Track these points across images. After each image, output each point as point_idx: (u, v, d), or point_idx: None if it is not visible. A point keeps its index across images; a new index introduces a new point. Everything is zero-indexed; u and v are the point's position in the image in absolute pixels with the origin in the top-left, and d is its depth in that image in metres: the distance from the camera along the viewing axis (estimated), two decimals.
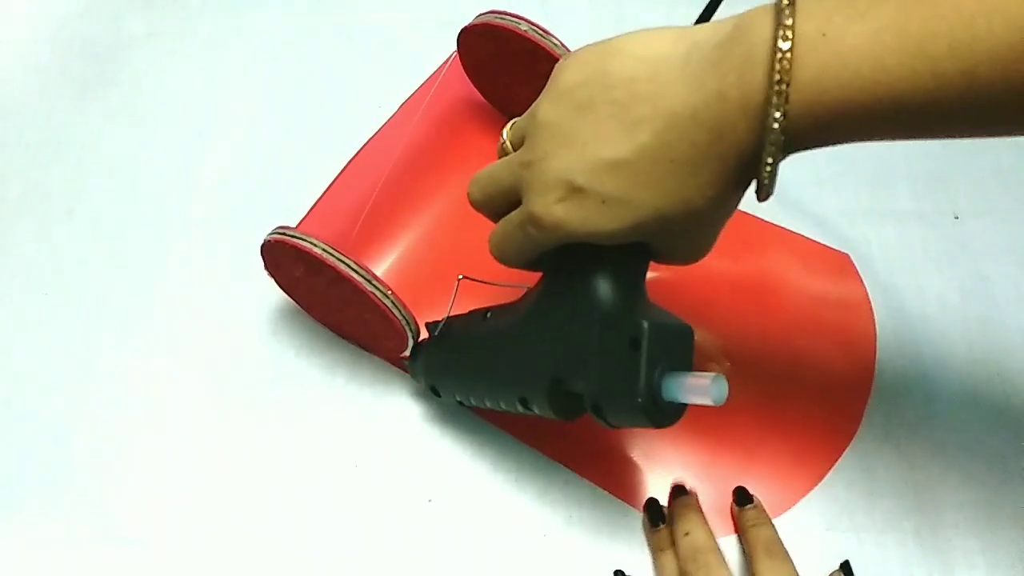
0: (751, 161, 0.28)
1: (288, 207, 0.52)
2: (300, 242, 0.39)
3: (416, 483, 0.44)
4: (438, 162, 0.52)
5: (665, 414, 0.31)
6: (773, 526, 0.40)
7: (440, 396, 0.43)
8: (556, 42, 0.45)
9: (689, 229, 0.32)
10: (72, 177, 0.54)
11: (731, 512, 0.42)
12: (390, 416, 0.46)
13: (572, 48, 0.46)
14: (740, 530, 0.41)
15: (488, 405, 0.39)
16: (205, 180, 0.54)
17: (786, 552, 0.39)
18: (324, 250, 0.39)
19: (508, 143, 0.37)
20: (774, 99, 0.26)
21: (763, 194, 0.29)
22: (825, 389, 0.45)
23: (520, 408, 0.37)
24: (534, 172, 0.32)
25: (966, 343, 0.47)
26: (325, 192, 0.47)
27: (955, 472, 0.43)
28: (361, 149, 0.49)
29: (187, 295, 0.49)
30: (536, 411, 0.36)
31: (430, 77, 0.53)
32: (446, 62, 0.51)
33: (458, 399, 0.42)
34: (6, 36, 0.61)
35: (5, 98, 0.58)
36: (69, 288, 0.50)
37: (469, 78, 0.53)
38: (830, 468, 0.43)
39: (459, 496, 0.43)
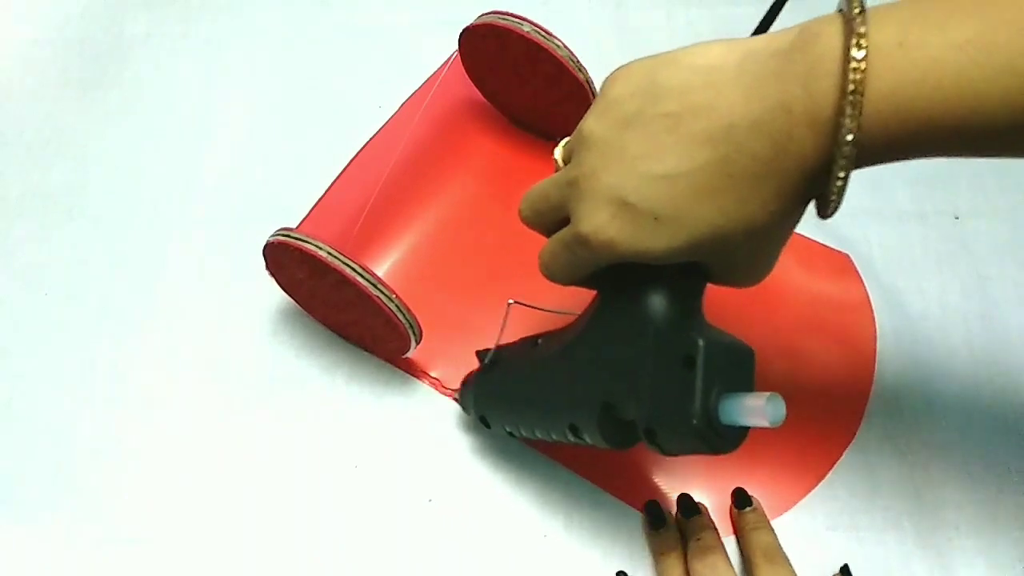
0: (816, 176, 0.27)
1: (288, 207, 0.52)
2: (304, 244, 0.39)
3: (416, 483, 0.44)
4: (438, 162, 0.52)
5: (724, 438, 0.29)
6: (772, 530, 0.40)
7: (489, 427, 0.42)
8: (558, 43, 0.45)
9: (748, 248, 0.30)
10: (72, 177, 0.54)
11: (730, 514, 0.42)
12: (390, 416, 0.46)
13: (575, 50, 0.47)
14: (739, 533, 0.41)
15: (538, 435, 0.37)
16: (205, 180, 0.54)
17: (785, 557, 0.39)
18: (328, 253, 0.39)
19: (560, 161, 0.35)
20: (848, 110, 0.24)
21: (829, 210, 0.28)
22: (825, 389, 0.45)
23: (570, 437, 0.35)
24: (582, 189, 0.31)
25: (966, 343, 0.47)
26: (326, 192, 0.48)
27: (955, 472, 0.43)
28: (362, 149, 0.49)
29: (187, 295, 0.49)
30: (587, 439, 0.34)
31: (430, 77, 0.53)
32: (447, 62, 0.51)
33: (508, 430, 0.40)
34: (6, 36, 0.61)
35: (5, 98, 0.58)
36: (69, 288, 0.50)
37: (470, 78, 0.53)
38: (830, 468, 0.43)
39: (459, 496, 0.43)
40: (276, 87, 0.58)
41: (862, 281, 0.47)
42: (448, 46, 0.51)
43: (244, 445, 0.45)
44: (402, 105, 0.51)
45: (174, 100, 0.57)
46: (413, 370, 0.46)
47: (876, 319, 0.47)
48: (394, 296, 0.40)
